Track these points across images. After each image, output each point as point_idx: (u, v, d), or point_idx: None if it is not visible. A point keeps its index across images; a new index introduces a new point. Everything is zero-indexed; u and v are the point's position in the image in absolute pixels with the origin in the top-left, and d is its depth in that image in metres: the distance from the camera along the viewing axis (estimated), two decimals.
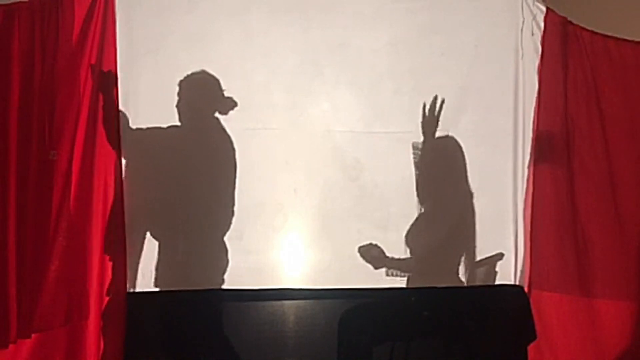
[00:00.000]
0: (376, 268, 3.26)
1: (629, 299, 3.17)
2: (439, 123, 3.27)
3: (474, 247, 3.32)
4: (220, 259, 3.19)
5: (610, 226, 3.19)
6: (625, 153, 3.20)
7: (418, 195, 3.30)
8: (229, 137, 3.22)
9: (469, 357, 3.28)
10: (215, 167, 3.25)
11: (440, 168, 3.37)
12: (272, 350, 3.22)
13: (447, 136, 3.31)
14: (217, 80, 3.21)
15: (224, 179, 3.22)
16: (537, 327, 3.22)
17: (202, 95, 3.22)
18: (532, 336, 3.23)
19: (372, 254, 3.26)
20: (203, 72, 3.19)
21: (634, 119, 3.21)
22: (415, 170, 3.30)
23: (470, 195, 3.32)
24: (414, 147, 3.30)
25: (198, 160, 3.25)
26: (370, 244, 3.26)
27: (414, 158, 3.30)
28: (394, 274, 3.28)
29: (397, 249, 3.29)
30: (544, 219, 3.24)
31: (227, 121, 3.22)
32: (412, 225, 3.30)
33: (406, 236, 3.30)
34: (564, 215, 3.22)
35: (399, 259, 3.27)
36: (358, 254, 3.25)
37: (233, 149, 3.22)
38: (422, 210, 3.31)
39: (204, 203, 3.22)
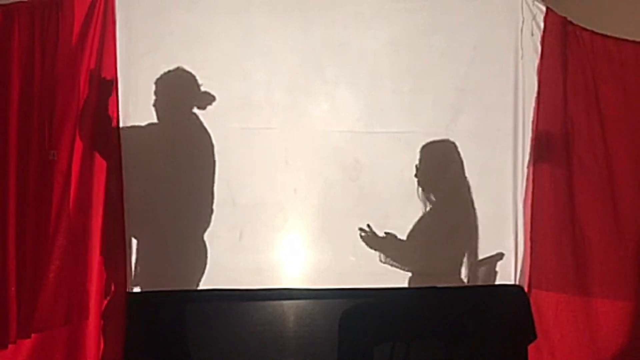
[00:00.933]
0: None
1: (626, 298, 3.19)
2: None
3: (476, 247, 3.32)
4: (199, 257, 3.18)
5: (609, 226, 3.20)
6: (624, 153, 3.21)
7: (420, 196, 3.30)
8: (207, 132, 3.20)
9: (469, 357, 3.28)
10: (194, 163, 3.24)
11: (440, 170, 3.36)
12: (272, 350, 3.22)
13: (445, 139, 3.31)
14: (193, 76, 3.19)
15: (202, 175, 3.21)
16: (537, 327, 3.22)
17: (178, 92, 3.20)
18: (532, 336, 3.23)
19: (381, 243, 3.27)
20: (178, 69, 3.17)
21: (633, 119, 3.22)
22: (416, 172, 3.30)
23: (471, 196, 3.31)
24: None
25: (176, 157, 3.23)
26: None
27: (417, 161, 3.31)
28: (390, 263, 3.28)
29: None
30: (544, 218, 3.25)
31: (227, 121, 3.22)
32: (415, 225, 3.30)
33: (408, 236, 3.30)
34: (563, 215, 3.23)
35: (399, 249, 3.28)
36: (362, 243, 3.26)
37: (212, 145, 3.20)
38: (424, 211, 3.30)
39: (181, 201, 3.22)
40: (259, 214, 3.24)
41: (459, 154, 3.32)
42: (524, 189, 3.33)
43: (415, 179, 3.30)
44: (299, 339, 3.24)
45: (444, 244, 3.34)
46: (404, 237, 3.30)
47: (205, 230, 3.19)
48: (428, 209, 3.31)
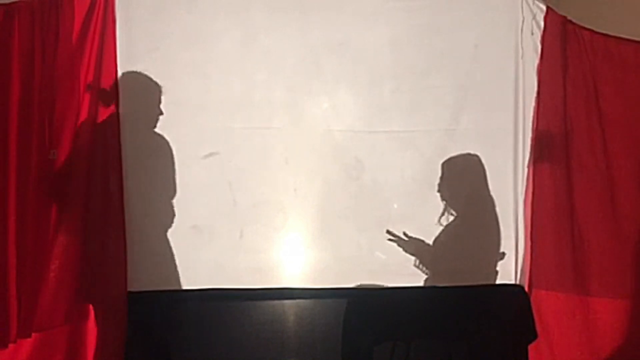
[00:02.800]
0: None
1: (625, 297, 3.20)
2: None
3: (497, 252, 3.32)
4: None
5: (608, 225, 3.21)
6: (624, 152, 3.22)
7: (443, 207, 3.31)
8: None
9: (470, 357, 3.28)
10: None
11: (461, 182, 3.35)
12: (272, 349, 3.22)
13: (467, 153, 3.31)
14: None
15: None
16: (537, 326, 3.22)
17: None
18: (532, 335, 3.23)
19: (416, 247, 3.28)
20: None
21: (632, 118, 3.23)
22: (439, 188, 3.31)
23: (493, 205, 3.31)
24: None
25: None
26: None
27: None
28: (421, 268, 3.29)
29: (398, 248, 3.29)
30: (544, 218, 3.25)
31: (227, 120, 3.22)
32: (440, 233, 3.30)
33: (434, 243, 3.31)
34: (563, 214, 3.23)
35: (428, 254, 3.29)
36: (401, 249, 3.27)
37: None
38: (448, 221, 3.31)
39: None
40: (260, 214, 3.24)
41: (482, 165, 3.31)
42: (524, 189, 3.32)
43: (438, 194, 3.31)
44: (299, 338, 3.23)
45: (467, 251, 3.34)
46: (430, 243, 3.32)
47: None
48: (451, 219, 3.31)
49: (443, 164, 3.30)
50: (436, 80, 3.32)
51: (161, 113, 3.18)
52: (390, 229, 3.28)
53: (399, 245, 3.26)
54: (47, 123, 2.94)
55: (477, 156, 3.31)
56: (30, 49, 2.91)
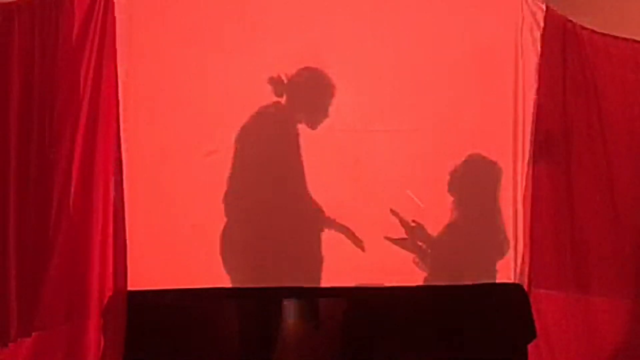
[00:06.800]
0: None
1: (625, 297, 3.20)
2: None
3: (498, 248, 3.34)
4: None
5: (608, 224, 3.22)
6: (623, 151, 3.22)
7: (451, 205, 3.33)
8: None
9: (469, 356, 3.28)
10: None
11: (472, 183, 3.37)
12: (272, 349, 3.22)
13: (477, 153, 3.33)
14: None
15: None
16: (537, 326, 3.22)
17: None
18: (532, 335, 3.24)
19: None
20: None
21: (632, 118, 3.23)
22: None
23: (497, 201, 3.33)
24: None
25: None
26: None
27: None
28: (419, 265, 3.29)
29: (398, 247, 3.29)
30: (543, 217, 3.25)
31: (226, 120, 3.22)
32: (443, 231, 3.32)
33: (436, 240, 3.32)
34: (562, 214, 3.24)
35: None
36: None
37: None
38: (452, 219, 3.33)
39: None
40: (259, 213, 3.24)
41: (491, 166, 3.33)
42: (524, 188, 3.32)
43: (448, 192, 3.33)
44: (299, 338, 3.24)
45: (467, 250, 3.36)
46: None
47: None
48: (455, 218, 3.33)
49: (457, 165, 3.31)
50: (436, 80, 3.32)
51: (326, 116, 3.24)
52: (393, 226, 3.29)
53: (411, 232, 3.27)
54: (47, 123, 2.93)
55: (486, 157, 3.32)
56: (30, 49, 2.89)
